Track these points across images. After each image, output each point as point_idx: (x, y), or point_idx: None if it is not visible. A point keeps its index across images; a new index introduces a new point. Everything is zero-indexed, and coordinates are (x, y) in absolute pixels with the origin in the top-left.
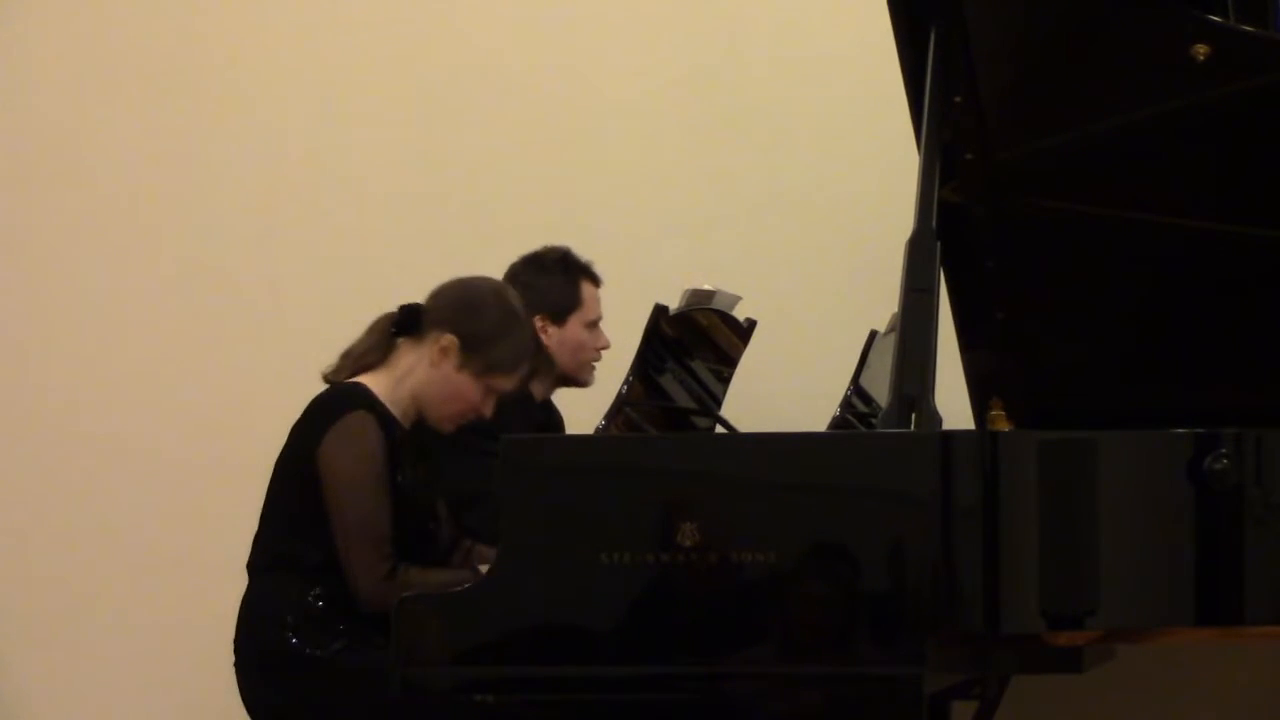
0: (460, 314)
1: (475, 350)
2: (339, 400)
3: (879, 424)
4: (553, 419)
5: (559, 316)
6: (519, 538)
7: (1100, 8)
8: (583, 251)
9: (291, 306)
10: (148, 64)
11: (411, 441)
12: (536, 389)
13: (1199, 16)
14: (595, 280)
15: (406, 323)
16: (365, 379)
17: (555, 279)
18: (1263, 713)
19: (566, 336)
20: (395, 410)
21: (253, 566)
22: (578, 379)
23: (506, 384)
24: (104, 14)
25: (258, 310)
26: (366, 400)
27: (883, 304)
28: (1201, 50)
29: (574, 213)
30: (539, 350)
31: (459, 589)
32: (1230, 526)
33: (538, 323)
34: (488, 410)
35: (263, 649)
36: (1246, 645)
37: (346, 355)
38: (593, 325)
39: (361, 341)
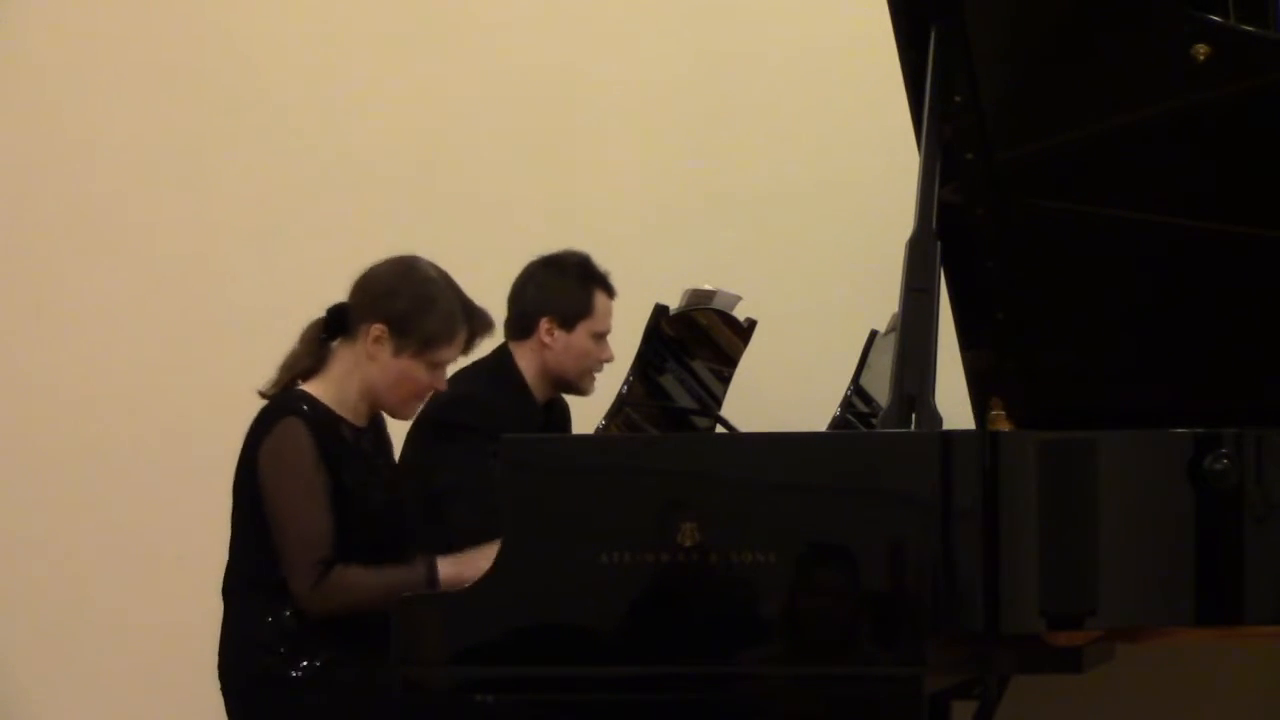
0: (380, 299)
1: (406, 331)
2: (271, 412)
3: (879, 424)
4: (554, 418)
5: (568, 322)
6: (519, 537)
7: (1100, 8)
8: (582, 250)
9: (291, 307)
10: (147, 63)
11: (362, 440)
12: (536, 391)
13: (1199, 16)
14: (610, 292)
15: (335, 324)
16: (306, 386)
17: (570, 284)
18: (1263, 713)
19: (572, 343)
20: (343, 411)
21: (225, 589)
22: (578, 386)
23: (449, 354)
24: (104, 13)
25: (259, 311)
26: (297, 406)
27: (883, 304)
28: (1201, 50)
29: (574, 212)
30: (474, 310)
31: (458, 589)
32: (1230, 526)
33: (544, 324)
34: (440, 384)
35: (244, 673)
36: (1246, 645)
37: (282, 368)
38: (600, 337)
39: (293, 352)
